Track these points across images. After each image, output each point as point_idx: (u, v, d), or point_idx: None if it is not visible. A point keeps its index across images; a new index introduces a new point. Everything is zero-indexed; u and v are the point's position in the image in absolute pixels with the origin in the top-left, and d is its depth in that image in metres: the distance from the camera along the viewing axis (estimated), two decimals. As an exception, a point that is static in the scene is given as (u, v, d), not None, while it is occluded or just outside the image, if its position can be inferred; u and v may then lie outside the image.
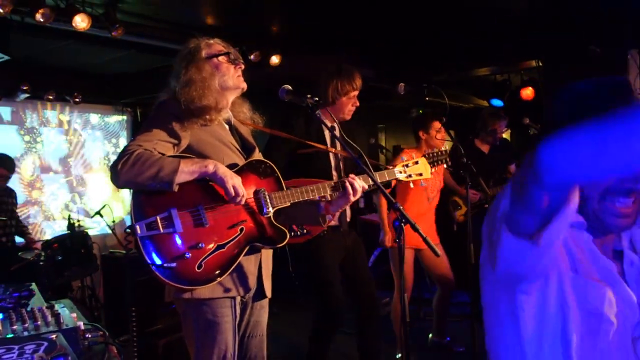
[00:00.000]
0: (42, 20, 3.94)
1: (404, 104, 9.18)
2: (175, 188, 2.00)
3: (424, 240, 2.09)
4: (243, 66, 2.32)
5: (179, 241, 2.03)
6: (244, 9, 4.94)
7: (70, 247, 4.57)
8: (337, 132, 3.15)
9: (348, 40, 5.96)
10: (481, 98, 8.34)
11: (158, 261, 1.98)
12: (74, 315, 1.95)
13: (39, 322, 1.82)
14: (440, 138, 3.97)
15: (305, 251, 3.12)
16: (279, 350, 4.14)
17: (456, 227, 4.93)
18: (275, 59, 5.80)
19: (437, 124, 3.99)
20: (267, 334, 2.43)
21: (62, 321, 1.84)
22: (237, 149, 2.28)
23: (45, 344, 1.50)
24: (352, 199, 2.32)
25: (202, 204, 2.09)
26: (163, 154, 2.06)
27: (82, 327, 1.85)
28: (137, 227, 1.97)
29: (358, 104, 3.24)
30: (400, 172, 2.59)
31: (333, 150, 3.09)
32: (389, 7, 4.90)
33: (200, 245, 2.04)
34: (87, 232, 4.85)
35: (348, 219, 3.29)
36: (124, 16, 4.61)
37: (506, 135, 9.46)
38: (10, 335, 1.71)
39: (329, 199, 2.39)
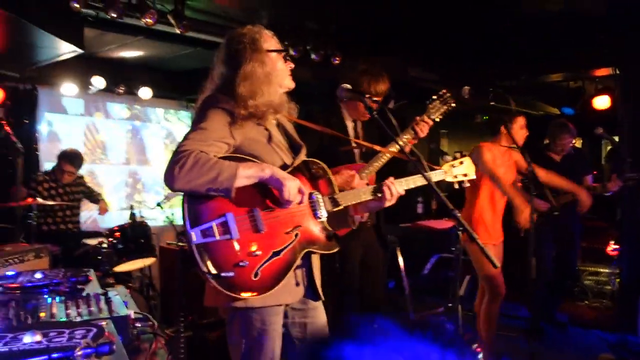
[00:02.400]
0: (114, 15, 4.07)
1: (468, 109, 8.94)
2: (233, 194, 1.89)
3: (481, 249, 1.99)
4: (292, 65, 2.24)
5: (235, 248, 1.91)
6: (308, 9, 4.93)
7: (130, 236, 4.71)
8: (359, 128, 3.18)
9: (413, 41, 5.86)
10: (552, 105, 8.00)
11: (214, 270, 1.85)
12: (126, 303, 1.99)
13: (92, 308, 1.86)
14: (522, 135, 3.84)
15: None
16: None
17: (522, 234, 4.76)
18: (336, 60, 5.77)
19: (521, 120, 3.87)
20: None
21: (113, 308, 1.87)
22: (286, 148, 2.20)
23: (95, 330, 1.51)
24: (387, 204, 2.24)
25: (257, 207, 1.99)
26: (216, 154, 1.96)
27: (133, 316, 1.88)
28: (192, 233, 1.85)
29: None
30: (446, 173, 2.50)
31: (358, 141, 3.02)
32: (458, 10, 4.77)
33: (256, 252, 1.93)
34: (147, 223, 4.99)
35: (365, 218, 3.20)
36: (192, 13, 4.71)
37: (577, 144, 9.06)
38: (63, 319, 1.75)
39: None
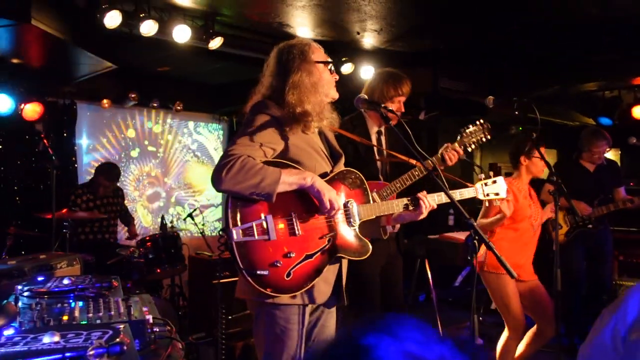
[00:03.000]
0: (146, 32, 4.21)
1: (502, 119, 8.81)
2: (274, 199, 2.01)
3: (499, 260, 1.98)
4: (337, 77, 2.34)
5: (272, 249, 2.04)
6: (338, 21, 4.98)
7: (161, 246, 4.82)
8: (383, 137, 3.21)
9: (444, 52, 5.84)
10: (588, 116, 7.81)
11: (251, 267, 2.00)
12: (146, 309, 2.04)
13: (112, 312, 1.92)
14: (542, 167, 3.59)
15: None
16: None
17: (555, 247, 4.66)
18: (367, 72, 5.80)
19: (536, 151, 3.58)
20: None
21: (132, 313, 1.93)
22: (326, 156, 2.30)
23: (111, 332, 1.57)
24: (421, 217, 2.33)
25: (295, 213, 2.10)
26: (261, 159, 2.08)
27: (151, 321, 1.93)
28: (234, 231, 2.00)
29: (403, 110, 3.19)
30: (477, 191, 2.56)
31: (414, 161, 3.02)
32: (489, 19, 4.73)
33: (291, 254, 2.05)
34: (178, 233, 5.09)
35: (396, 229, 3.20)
36: (222, 28, 4.82)
37: (615, 155, 8.81)
38: (84, 322, 1.81)
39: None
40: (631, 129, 5.64)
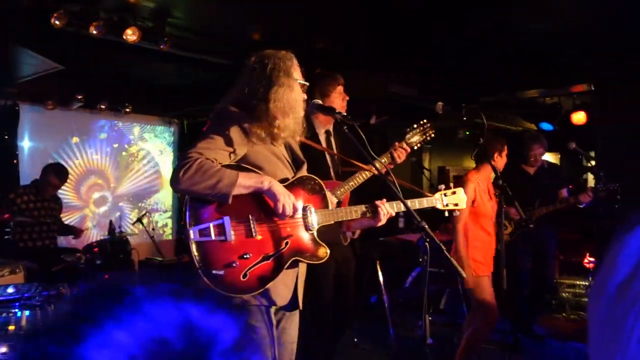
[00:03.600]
0: (95, 32, 4.11)
1: (450, 124, 9.06)
2: (230, 201, 2.04)
3: (450, 262, 2.04)
4: (305, 97, 2.36)
5: (228, 250, 2.08)
6: (291, 26, 5.01)
7: (110, 251, 4.70)
8: (332, 137, 3.30)
9: (394, 58, 5.95)
10: (530, 121, 8.14)
11: (207, 267, 2.03)
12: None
13: (62, 321, 1.88)
14: (503, 163, 3.80)
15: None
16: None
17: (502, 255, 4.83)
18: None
19: (505, 148, 3.82)
20: None
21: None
22: (289, 163, 2.33)
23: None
24: (379, 224, 2.38)
25: (253, 216, 2.14)
26: (221, 162, 2.10)
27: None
28: (191, 232, 2.04)
29: (347, 97, 3.31)
30: (437, 200, 2.60)
31: (333, 152, 3.14)
32: (438, 26, 4.87)
33: (247, 255, 2.09)
34: (127, 238, 4.98)
35: (357, 235, 3.28)
36: (173, 30, 4.76)
37: (555, 159, 9.20)
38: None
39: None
40: (570, 134, 5.90)
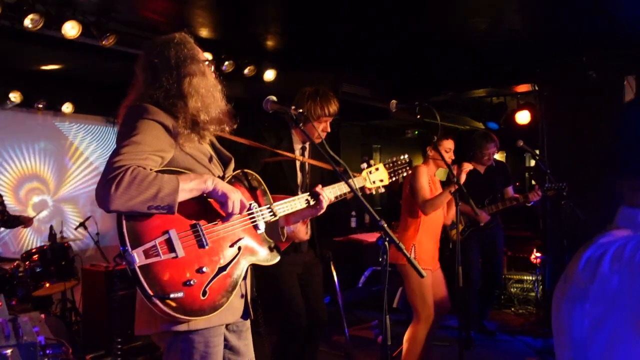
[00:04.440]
0: (30, 26, 3.87)
1: (400, 124, 9.17)
2: (176, 210, 1.76)
3: (408, 260, 2.02)
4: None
5: (182, 267, 1.79)
6: (240, 23, 4.90)
7: (50, 258, 4.44)
8: (307, 153, 3.21)
9: (345, 58, 5.94)
10: (478, 120, 8.34)
11: (162, 291, 1.72)
12: (36, 329, 1.85)
13: (-3, 336, 1.72)
14: (449, 158, 3.82)
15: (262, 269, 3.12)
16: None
17: (451, 245, 4.90)
18: (270, 75, 5.78)
19: (447, 143, 3.86)
20: None
21: (22, 335, 1.74)
22: (216, 161, 2.12)
23: (-4, 359, 1.40)
24: (320, 212, 2.32)
25: (199, 221, 1.89)
26: (152, 169, 1.82)
27: (43, 342, 1.75)
28: (135, 254, 1.70)
29: (329, 130, 3.19)
30: (365, 180, 2.63)
31: (301, 158, 3.10)
32: (387, 27, 4.88)
33: (203, 269, 1.83)
34: (69, 244, 4.73)
35: (307, 236, 3.21)
36: (116, 25, 4.56)
37: (501, 157, 9.46)
38: (-37, 349, 1.61)
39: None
40: (515, 132, 6.05)
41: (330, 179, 2.81)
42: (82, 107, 6.74)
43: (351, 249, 6.35)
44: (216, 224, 1.93)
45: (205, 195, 1.89)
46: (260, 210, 2.11)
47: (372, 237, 6.09)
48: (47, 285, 4.40)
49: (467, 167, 3.66)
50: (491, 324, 5.50)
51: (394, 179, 2.82)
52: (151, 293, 1.70)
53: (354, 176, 2.54)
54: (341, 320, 5.04)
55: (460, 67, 6.19)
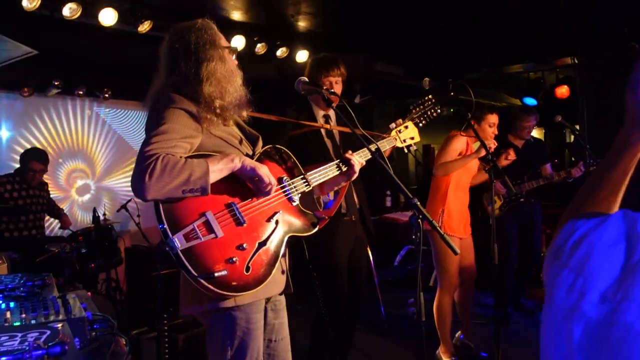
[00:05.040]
0: (69, 15, 3.98)
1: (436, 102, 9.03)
2: (209, 191, 1.83)
3: (441, 237, 2.02)
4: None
5: (222, 246, 1.86)
6: (272, 5, 4.90)
7: (94, 239, 4.62)
8: (331, 121, 3.18)
9: (378, 37, 5.89)
10: (514, 96, 8.15)
11: (206, 271, 1.80)
12: (84, 305, 1.94)
13: (49, 311, 1.81)
14: (492, 132, 3.86)
15: (316, 237, 3.14)
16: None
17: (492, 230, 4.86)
18: (302, 56, 5.78)
19: (491, 118, 3.87)
20: None
21: (70, 311, 1.83)
22: (245, 140, 2.17)
23: (48, 332, 1.48)
24: (354, 176, 2.33)
25: (234, 200, 1.95)
26: (182, 156, 1.89)
27: (91, 318, 1.84)
28: (176, 239, 1.78)
29: (337, 90, 3.12)
30: (396, 139, 2.64)
31: (326, 126, 3.09)
32: (420, 3, 4.81)
33: (243, 246, 1.89)
34: (112, 225, 4.89)
35: (357, 205, 3.23)
36: (151, 12, 4.63)
37: (539, 134, 9.24)
38: (17, 324, 1.70)
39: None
40: (554, 108, 5.90)
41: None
42: (120, 92, 6.91)
43: (386, 228, 6.36)
44: (251, 200, 1.99)
45: (237, 174, 1.95)
46: (293, 183, 2.15)
47: (406, 216, 6.08)
48: (93, 265, 4.58)
49: (512, 156, 3.66)
50: (529, 302, 5.44)
51: (424, 122, 2.80)
52: (196, 274, 1.77)
53: (383, 137, 2.55)
54: (377, 299, 5.09)
55: (495, 43, 6.04)
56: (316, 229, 2.18)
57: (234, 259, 1.85)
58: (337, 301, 3.15)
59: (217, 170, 1.87)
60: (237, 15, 5.06)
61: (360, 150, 2.39)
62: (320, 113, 3.20)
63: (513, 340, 4.39)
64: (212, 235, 1.85)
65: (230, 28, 5.12)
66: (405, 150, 2.67)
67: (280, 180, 2.12)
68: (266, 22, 5.29)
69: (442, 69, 6.62)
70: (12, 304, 1.90)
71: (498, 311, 3.92)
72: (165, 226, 1.80)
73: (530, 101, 6.68)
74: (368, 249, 4.83)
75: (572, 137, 8.78)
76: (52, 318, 1.76)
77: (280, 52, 5.60)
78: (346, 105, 2.26)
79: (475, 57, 6.45)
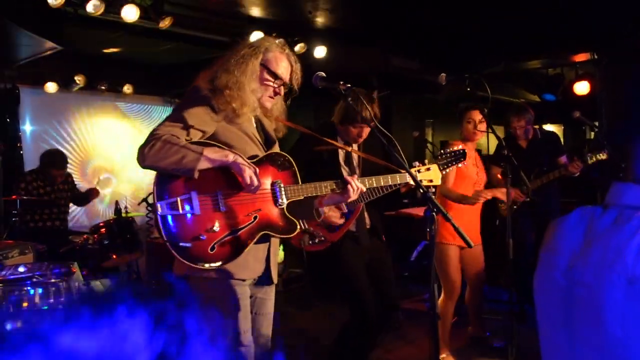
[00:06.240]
0: (92, 11, 4.07)
1: (452, 97, 9.00)
2: (196, 175, 2.07)
3: (456, 229, 2.04)
4: (282, 93, 2.35)
5: (196, 223, 2.10)
6: (290, 1, 4.95)
7: (116, 232, 4.72)
8: (355, 145, 3.17)
9: (395, 32, 5.90)
10: (533, 92, 8.08)
11: (174, 239, 2.06)
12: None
13: (74, 296, 1.90)
14: (473, 130, 3.77)
15: (328, 259, 3.19)
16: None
17: (498, 222, 4.80)
18: (320, 51, 5.82)
19: (470, 115, 3.76)
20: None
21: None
22: (259, 142, 2.34)
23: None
24: (349, 199, 2.41)
25: (221, 190, 2.16)
26: (189, 139, 2.12)
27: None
28: (159, 205, 2.06)
29: (364, 136, 3.13)
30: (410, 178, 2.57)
31: (346, 148, 3.07)
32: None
33: (215, 228, 2.11)
34: (133, 218, 5.00)
35: (367, 225, 3.25)
36: (171, 7, 4.71)
37: (558, 130, 9.15)
38: (45, 308, 1.79)
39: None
40: (573, 104, 5.84)
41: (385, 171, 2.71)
42: (141, 87, 7.03)
43: (402, 223, 6.37)
44: (236, 194, 2.19)
45: (228, 168, 2.14)
46: (284, 188, 2.28)
47: (422, 211, 6.07)
48: (114, 257, 4.69)
49: (486, 195, 3.65)
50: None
51: (445, 171, 2.78)
52: (165, 238, 2.06)
53: (399, 172, 2.56)
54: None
55: (513, 37, 6.01)
56: (293, 234, 2.32)
57: (202, 237, 2.08)
58: (361, 311, 3.16)
59: (210, 160, 2.09)
60: (255, 12, 5.13)
61: (369, 177, 2.46)
62: (341, 143, 3.21)
63: (530, 336, 4.38)
64: (190, 211, 2.09)
65: (248, 24, 5.19)
66: (420, 191, 2.61)
67: (273, 184, 2.27)
68: (284, 18, 5.35)
69: (460, 64, 6.61)
70: (40, 290, 1.98)
71: (515, 306, 3.91)
72: (155, 192, 2.09)
73: (550, 97, 6.63)
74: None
75: (592, 133, 8.68)
76: (78, 302, 1.84)
77: (299, 47, 5.64)
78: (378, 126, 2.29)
79: (493, 52, 6.42)
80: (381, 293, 3.27)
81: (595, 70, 5.96)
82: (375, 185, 2.50)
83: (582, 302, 0.97)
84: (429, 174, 2.66)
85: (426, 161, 2.69)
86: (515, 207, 4.71)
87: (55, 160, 5.24)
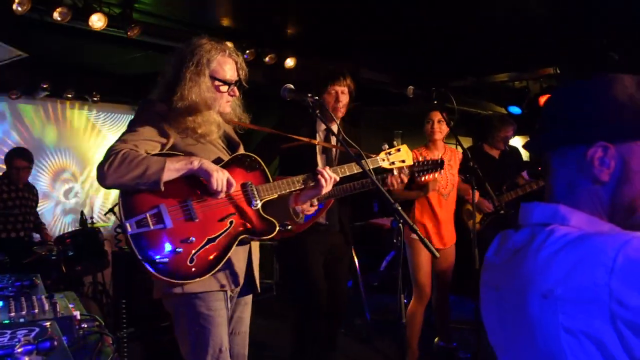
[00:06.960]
0: (59, 19, 4.02)
1: (422, 110, 9.13)
2: (162, 187, 2.00)
3: (421, 240, 2.07)
4: (237, 95, 2.29)
5: (169, 236, 2.02)
6: (260, 11, 4.97)
7: (82, 242, 4.63)
8: (331, 135, 3.17)
9: (365, 44, 5.96)
10: (499, 105, 8.27)
11: (150, 257, 1.97)
12: (72, 305, 1.98)
13: (36, 310, 1.85)
14: (431, 129, 3.90)
15: (290, 248, 3.18)
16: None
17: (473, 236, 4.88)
18: (290, 62, 5.84)
19: (430, 115, 3.92)
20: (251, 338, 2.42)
21: (58, 310, 1.87)
22: (222, 147, 2.29)
23: (37, 329, 1.52)
24: (323, 191, 2.34)
25: (190, 198, 2.09)
26: (149, 153, 2.06)
27: (78, 317, 1.88)
28: (127, 225, 1.97)
29: (342, 100, 3.21)
30: (384, 160, 2.63)
31: (316, 142, 3.09)
32: (407, 12, 4.89)
33: (191, 239, 2.03)
34: (99, 229, 4.91)
35: (337, 220, 3.29)
36: (140, 16, 4.67)
37: (524, 142, 9.35)
38: (6, 322, 1.74)
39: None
40: (538, 117, 5.99)
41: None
42: (108, 96, 6.92)
43: (372, 233, 6.42)
44: (207, 200, 2.12)
45: (194, 174, 2.08)
46: (256, 188, 2.23)
47: (390, 222, 6.13)
48: (79, 268, 4.59)
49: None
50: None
51: (421, 179, 2.84)
52: (140, 257, 1.96)
53: (370, 156, 2.58)
54: (362, 303, 5.14)
55: (480, 52, 6.15)
56: (272, 235, 2.25)
57: (179, 250, 1.99)
58: (312, 303, 3.18)
59: (174, 170, 2.02)
60: (226, 22, 5.13)
61: (339, 167, 2.44)
62: (321, 126, 3.22)
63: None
64: (161, 226, 2.00)
65: (219, 34, 5.17)
66: (395, 172, 2.65)
67: (244, 185, 2.22)
68: (254, 28, 5.36)
69: (428, 77, 6.72)
70: (0, 303, 1.93)
71: (477, 316, 3.97)
72: (122, 211, 1.99)
73: (515, 110, 6.79)
74: (354, 254, 4.90)
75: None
76: (40, 317, 1.79)
77: (269, 58, 5.65)
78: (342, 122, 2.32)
79: (461, 66, 6.55)
80: (331, 290, 3.28)
81: (559, 83, 6.14)
82: (347, 172, 2.45)
83: (512, 322, 0.99)
84: (400, 155, 2.67)
85: (395, 142, 2.71)
86: (484, 218, 4.80)
87: (21, 151, 5.08)
